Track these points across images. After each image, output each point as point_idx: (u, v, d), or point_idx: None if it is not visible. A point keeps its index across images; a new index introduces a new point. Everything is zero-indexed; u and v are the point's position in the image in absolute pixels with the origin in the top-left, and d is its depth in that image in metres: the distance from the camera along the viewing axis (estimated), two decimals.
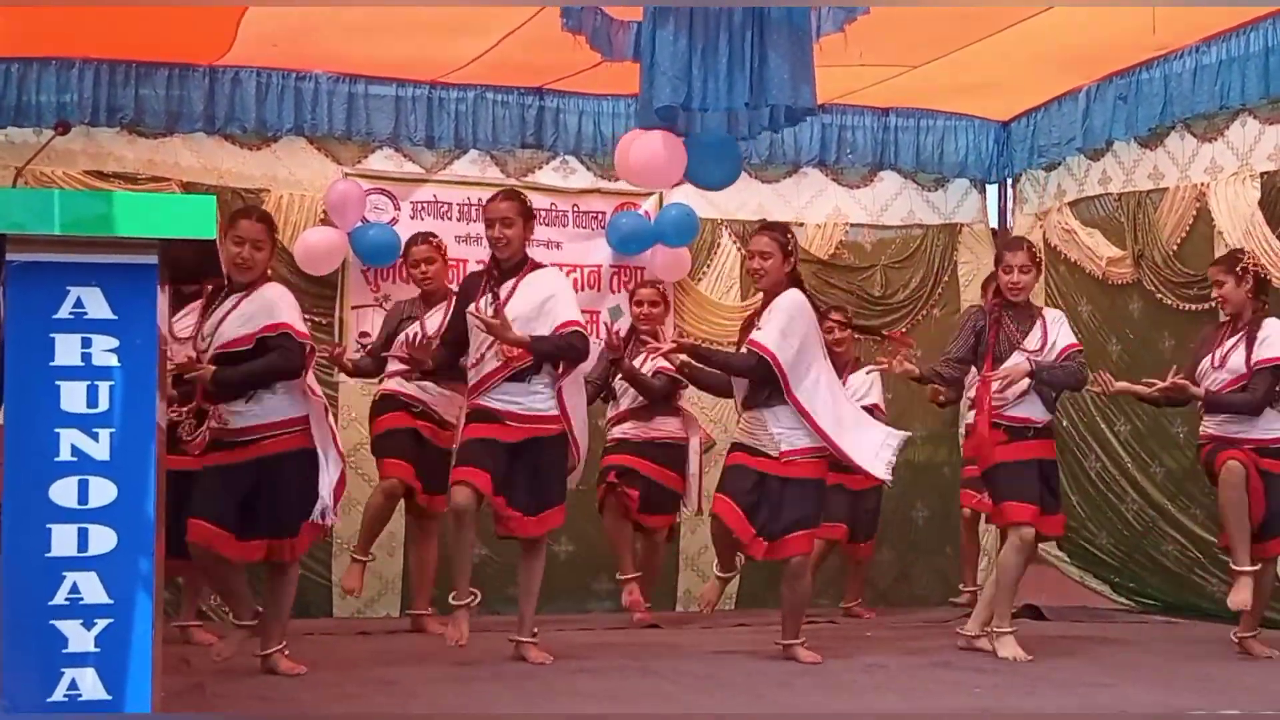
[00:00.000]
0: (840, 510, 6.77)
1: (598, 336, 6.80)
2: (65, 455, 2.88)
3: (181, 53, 6.92)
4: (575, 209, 7.69)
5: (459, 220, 7.47)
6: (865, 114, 8.08)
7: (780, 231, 5.57)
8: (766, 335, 5.33)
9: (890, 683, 4.99)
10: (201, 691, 4.61)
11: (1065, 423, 7.43)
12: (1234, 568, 5.55)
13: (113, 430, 2.90)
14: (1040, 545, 6.08)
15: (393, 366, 6.31)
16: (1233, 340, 5.65)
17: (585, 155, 7.74)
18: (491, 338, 5.17)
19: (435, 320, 6.21)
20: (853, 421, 5.49)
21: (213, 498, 4.82)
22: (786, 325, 5.31)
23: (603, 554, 7.04)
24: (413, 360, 5.66)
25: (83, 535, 2.88)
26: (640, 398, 6.66)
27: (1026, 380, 5.52)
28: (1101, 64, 7.26)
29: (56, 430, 2.88)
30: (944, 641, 5.93)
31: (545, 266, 5.50)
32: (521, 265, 5.33)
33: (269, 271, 5.13)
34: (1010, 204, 8.45)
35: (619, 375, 6.60)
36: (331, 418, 5.09)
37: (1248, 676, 5.13)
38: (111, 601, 2.87)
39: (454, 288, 6.12)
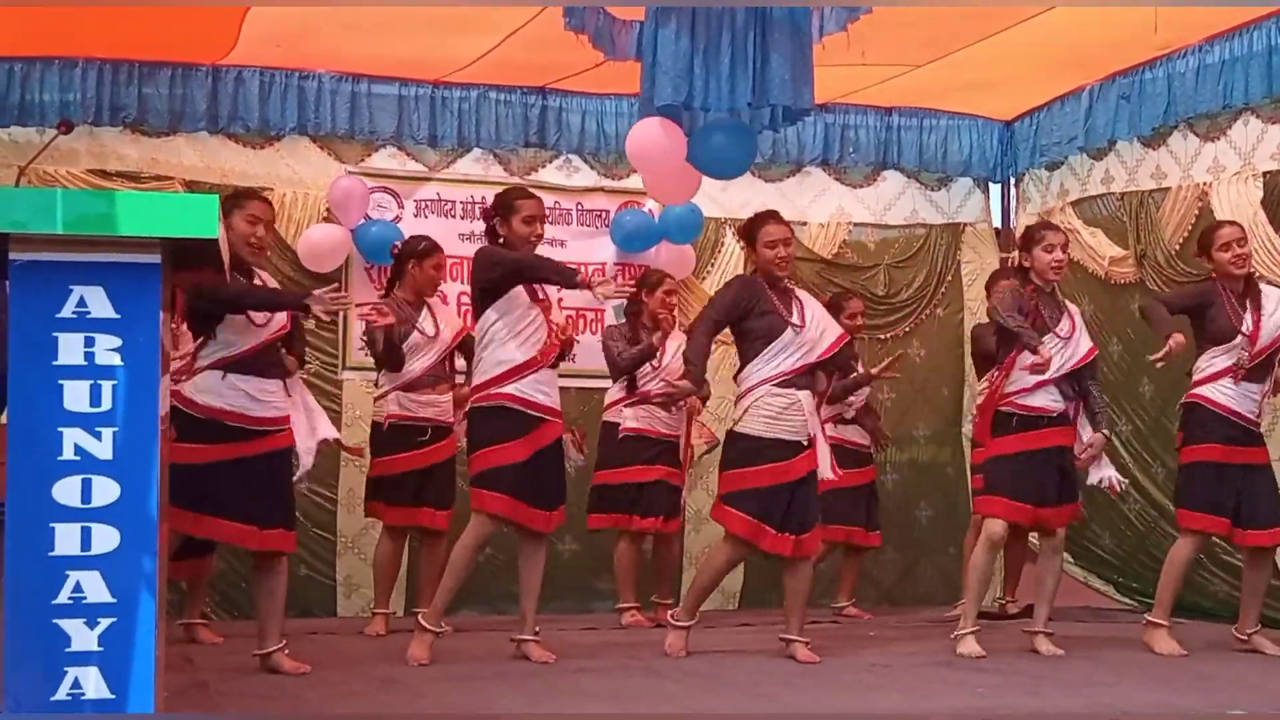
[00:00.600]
0: (844, 510, 6.80)
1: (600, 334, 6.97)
2: (68, 454, 2.88)
3: (184, 52, 6.93)
4: (579, 207, 7.70)
5: (463, 218, 7.48)
6: (868, 113, 8.09)
7: (782, 218, 5.70)
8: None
9: (893, 682, 4.99)
10: (205, 690, 4.62)
11: None
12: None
13: (116, 429, 2.90)
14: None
15: (394, 381, 6.22)
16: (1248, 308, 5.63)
17: (589, 154, 7.75)
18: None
19: (431, 324, 6.24)
20: None
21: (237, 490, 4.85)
22: None
23: (605, 553, 7.04)
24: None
25: (86, 534, 2.88)
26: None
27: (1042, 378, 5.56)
28: (1104, 63, 7.26)
29: (59, 429, 2.88)
30: (947, 641, 5.92)
31: None
32: None
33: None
34: (1013, 203, 8.46)
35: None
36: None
37: (1251, 676, 5.13)
38: (114, 600, 2.87)
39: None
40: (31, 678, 2.83)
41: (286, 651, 5.03)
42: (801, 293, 5.71)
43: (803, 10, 5.62)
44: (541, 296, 5.30)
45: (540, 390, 5.22)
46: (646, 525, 6.69)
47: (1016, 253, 5.90)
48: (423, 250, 6.29)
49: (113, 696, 2.85)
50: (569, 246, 7.55)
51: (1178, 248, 7.04)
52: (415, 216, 7.40)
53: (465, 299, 7.28)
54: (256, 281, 5.03)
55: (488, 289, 5.24)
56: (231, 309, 4.84)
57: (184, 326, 4.91)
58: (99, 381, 2.90)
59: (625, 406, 6.71)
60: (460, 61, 7.15)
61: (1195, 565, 6.99)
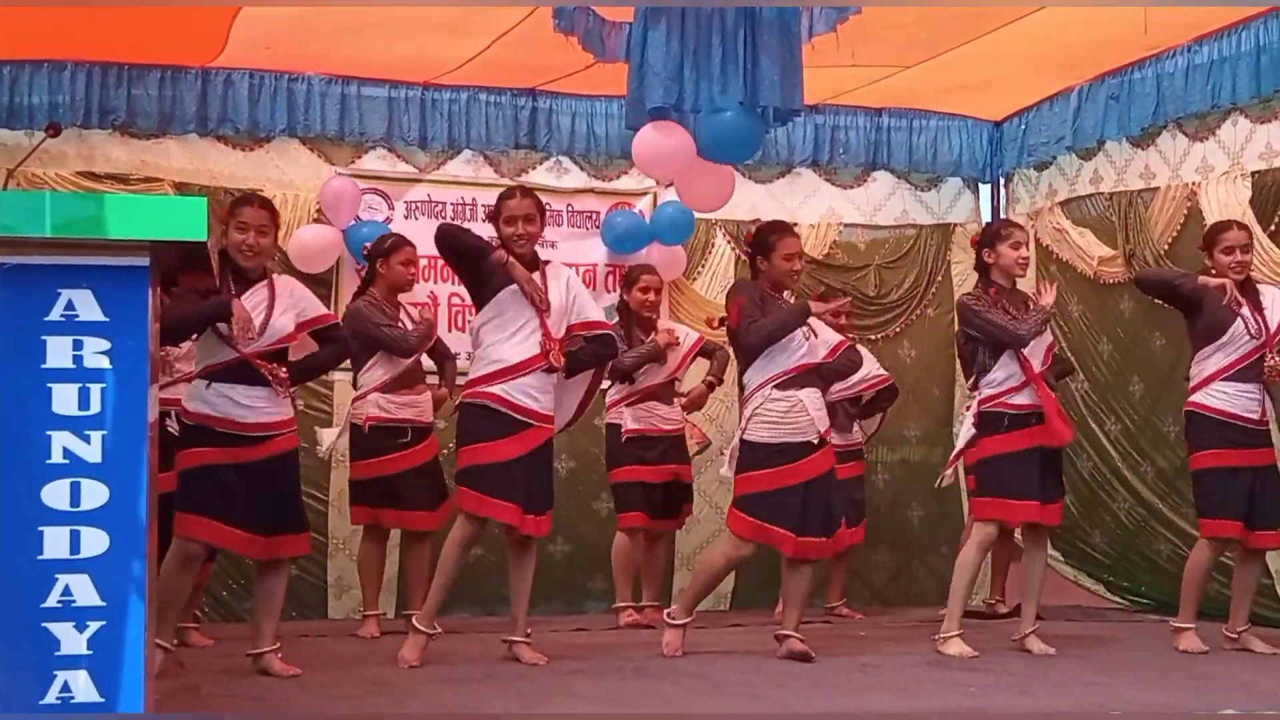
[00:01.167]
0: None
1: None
2: (57, 458, 2.87)
3: (174, 55, 6.93)
4: (570, 209, 7.70)
5: (453, 219, 7.48)
6: (858, 114, 8.10)
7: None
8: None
9: (885, 682, 5.00)
10: (196, 693, 4.61)
11: None
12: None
13: (105, 432, 2.89)
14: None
15: (374, 381, 6.23)
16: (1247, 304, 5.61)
17: (579, 155, 7.75)
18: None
19: (406, 323, 6.28)
20: None
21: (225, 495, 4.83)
22: None
23: (597, 554, 7.05)
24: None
25: (75, 537, 2.87)
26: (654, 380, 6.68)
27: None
28: (1093, 64, 7.28)
29: (48, 433, 2.87)
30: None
31: (551, 262, 5.52)
32: (534, 262, 5.33)
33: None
34: (1003, 203, 8.47)
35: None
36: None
37: (1242, 674, 5.13)
38: (104, 604, 2.86)
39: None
40: (20, 681, 2.82)
41: (280, 655, 5.02)
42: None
43: (792, 11, 5.62)
44: (539, 300, 5.20)
45: (528, 394, 5.17)
46: (664, 526, 6.76)
47: (976, 252, 5.85)
48: (389, 248, 6.33)
49: (102, 700, 2.84)
50: (560, 248, 7.54)
51: (1166, 247, 7.06)
52: (406, 218, 7.39)
53: (456, 300, 7.32)
54: (260, 288, 4.96)
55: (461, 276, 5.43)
56: (163, 329, 4.78)
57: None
58: (88, 385, 2.90)
59: (625, 406, 6.73)
60: (450, 63, 7.15)
61: (1179, 564, 7.04)
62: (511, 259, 5.16)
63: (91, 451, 2.89)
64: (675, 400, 6.82)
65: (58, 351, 2.89)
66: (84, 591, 2.87)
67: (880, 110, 8.10)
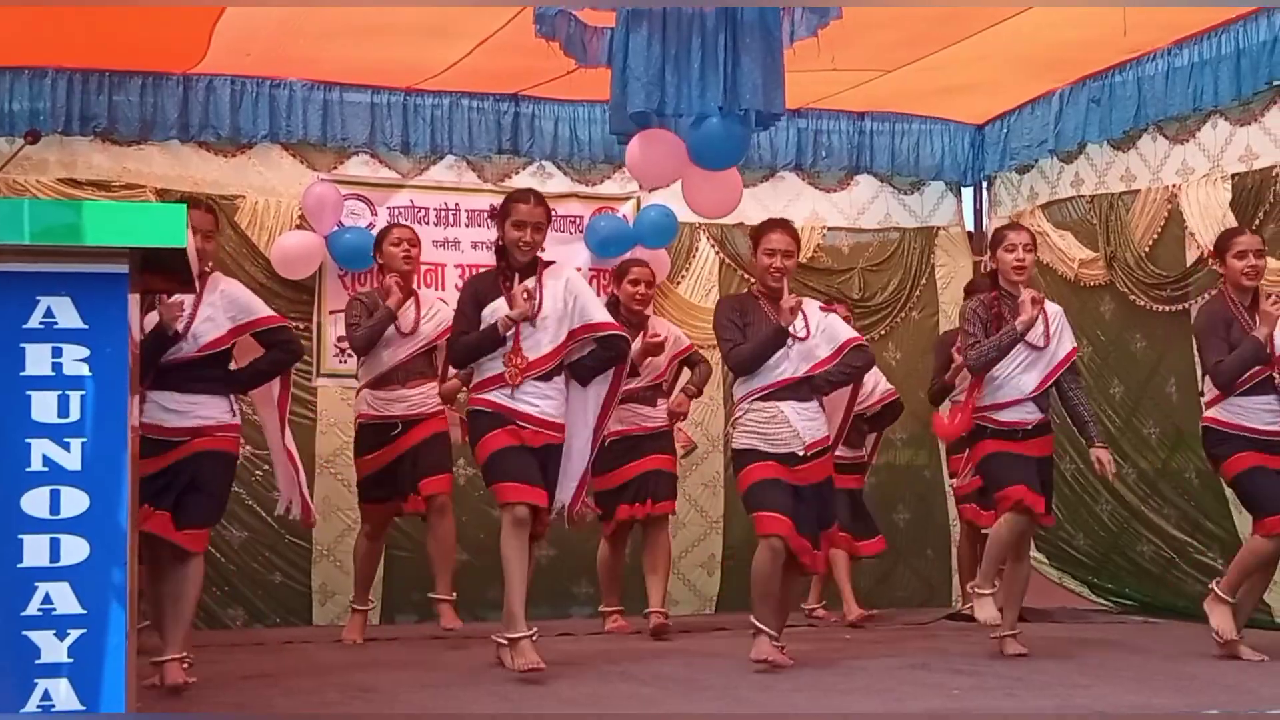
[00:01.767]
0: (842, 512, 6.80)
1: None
2: (37, 465, 2.87)
3: (155, 62, 6.91)
4: (553, 213, 7.66)
5: (436, 225, 7.47)
6: (841, 118, 8.11)
7: (793, 229, 5.57)
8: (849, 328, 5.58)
9: (869, 685, 5.00)
10: (177, 700, 4.59)
11: None
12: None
13: (84, 440, 2.89)
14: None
15: (362, 378, 6.22)
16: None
17: (562, 160, 7.75)
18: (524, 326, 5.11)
19: (409, 318, 6.19)
20: None
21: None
22: None
23: (583, 558, 7.03)
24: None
25: (55, 545, 2.86)
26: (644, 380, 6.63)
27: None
28: (1074, 67, 7.30)
29: (28, 440, 2.87)
30: (923, 644, 5.95)
31: (555, 263, 5.43)
32: (533, 265, 5.28)
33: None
34: (986, 206, 8.49)
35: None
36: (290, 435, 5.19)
37: (1226, 676, 5.15)
38: (84, 612, 2.86)
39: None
40: (1, 689, 2.81)
41: (186, 664, 4.79)
42: (809, 304, 5.51)
43: (773, 13, 5.62)
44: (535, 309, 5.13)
45: (526, 401, 5.12)
46: (639, 511, 6.54)
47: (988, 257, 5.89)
48: (380, 232, 6.46)
49: (83, 708, 2.83)
50: (543, 253, 7.51)
51: (1147, 250, 7.08)
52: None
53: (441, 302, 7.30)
54: (217, 290, 4.85)
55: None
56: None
57: None
58: (67, 392, 2.90)
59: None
60: (432, 69, 7.15)
61: (1169, 565, 7.07)
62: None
63: (71, 459, 2.89)
64: (660, 402, 6.74)
65: (37, 359, 2.89)
66: (64, 599, 2.86)
67: (863, 114, 8.12)
